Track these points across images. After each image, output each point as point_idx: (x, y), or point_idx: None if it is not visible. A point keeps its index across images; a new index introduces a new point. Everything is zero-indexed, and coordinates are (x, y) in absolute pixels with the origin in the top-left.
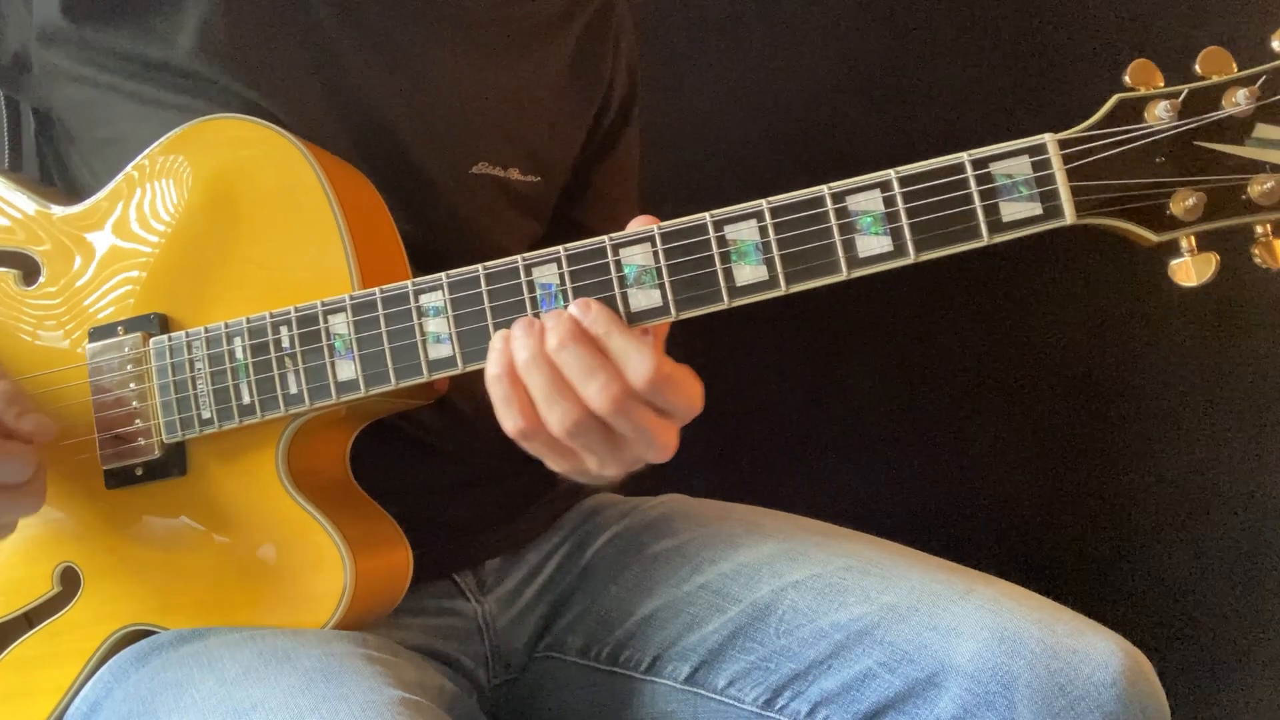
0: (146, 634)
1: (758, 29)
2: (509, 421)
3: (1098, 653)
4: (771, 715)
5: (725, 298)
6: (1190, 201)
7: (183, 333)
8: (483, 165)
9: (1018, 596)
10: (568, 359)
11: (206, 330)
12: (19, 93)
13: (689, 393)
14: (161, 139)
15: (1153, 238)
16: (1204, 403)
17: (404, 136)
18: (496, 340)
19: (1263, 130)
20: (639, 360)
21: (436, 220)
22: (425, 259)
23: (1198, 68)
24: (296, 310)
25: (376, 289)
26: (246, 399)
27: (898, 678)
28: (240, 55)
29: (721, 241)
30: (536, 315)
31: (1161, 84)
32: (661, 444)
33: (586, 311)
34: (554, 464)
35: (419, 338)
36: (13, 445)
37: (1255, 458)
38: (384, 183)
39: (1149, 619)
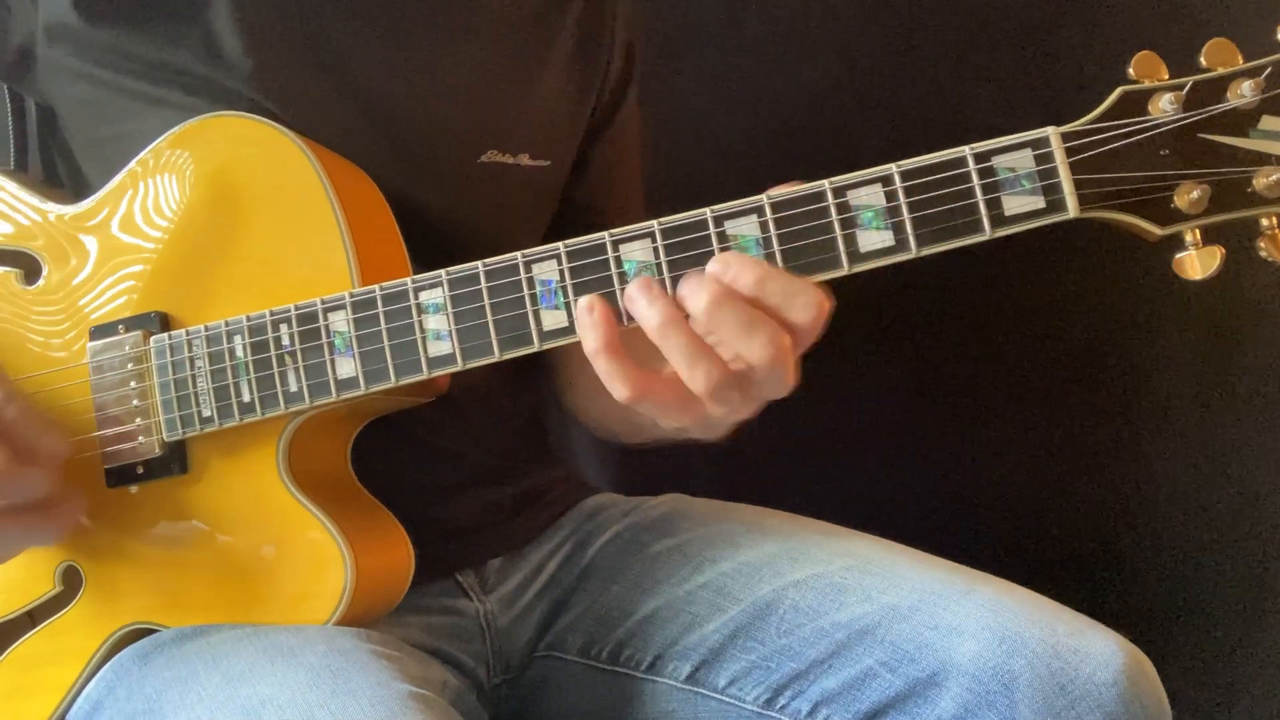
0: (148, 632)
1: (758, 28)
2: (619, 391)
3: (1098, 652)
4: (772, 714)
5: None
6: (1195, 194)
7: (183, 331)
8: (492, 153)
9: (1018, 596)
10: (728, 317)
11: (207, 328)
12: (23, 88)
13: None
14: (163, 136)
15: (1157, 231)
16: (1207, 400)
17: (412, 128)
18: (585, 313)
19: (1268, 122)
20: (803, 297)
21: (448, 210)
22: (439, 250)
23: (1203, 60)
24: (296, 308)
25: (376, 286)
26: (247, 397)
27: (899, 677)
28: (247, 56)
29: (722, 237)
30: (537, 311)
31: (1166, 76)
32: (789, 378)
33: (727, 268)
34: (669, 420)
35: (419, 335)
36: (35, 463)
37: (1257, 457)
38: (394, 175)
39: (1149, 619)
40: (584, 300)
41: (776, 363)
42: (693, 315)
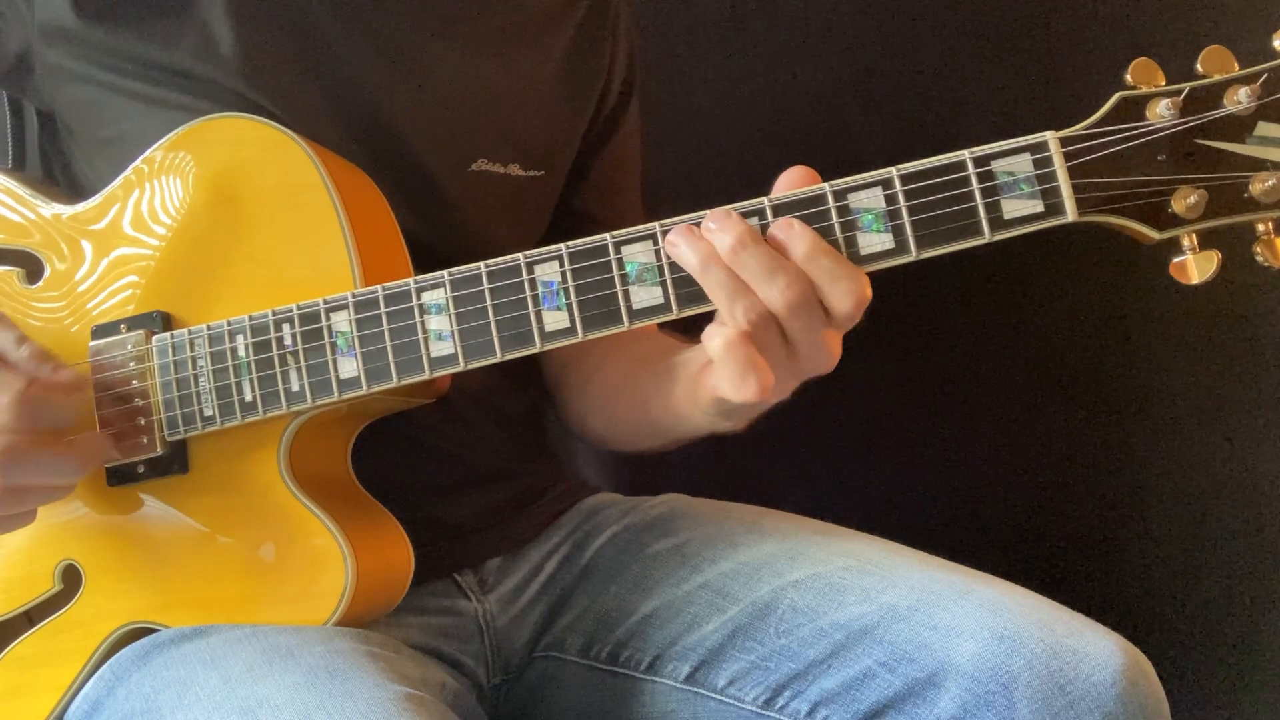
0: (147, 632)
1: (758, 28)
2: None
3: (1097, 652)
4: (771, 715)
5: None
6: (1192, 199)
7: (185, 330)
8: (482, 162)
9: (1018, 596)
10: (748, 259)
11: (209, 328)
12: (22, 93)
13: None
14: (165, 138)
15: (1154, 235)
16: (1204, 401)
17: (403, 135)
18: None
19: (1264, 128)
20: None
21: (438, 218)
22: (428, 257)
23: (1199, 66)
24: (299, 308)
25: (379, 287)
26: (249, 396)
27: (898, 677)
28: (241, 56)
29: None
30: (539, 312)
31: (1163, 82)
32: (829, 350)
33: (788, 231)
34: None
35: (421, 335)
36: (57, 391)
37: (1256, 457)
38: (385, 182)
39: (1149, 619)
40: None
41: (800, 310)
42: (719, 253)
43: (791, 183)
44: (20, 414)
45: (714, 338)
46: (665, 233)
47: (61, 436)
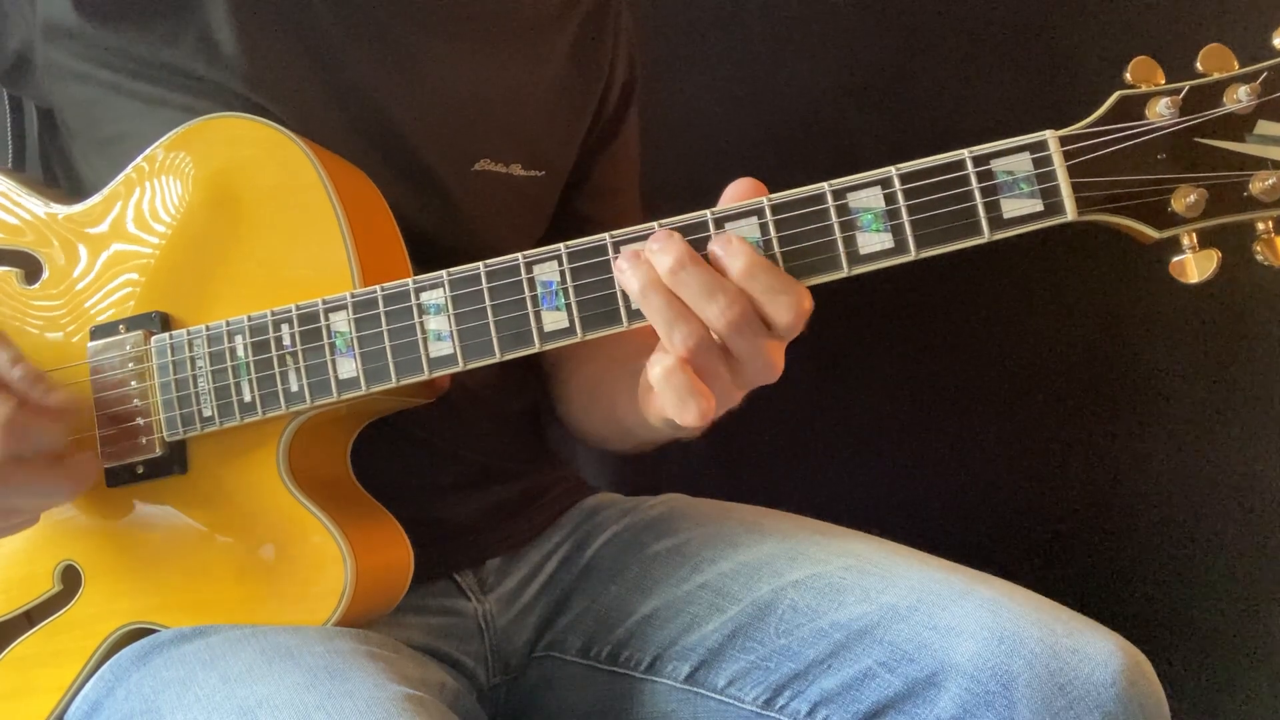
0: (147, 632)
1: (758, 28)
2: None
3: (1097, 652)
4: (771, 715)
5: None
6: (1191, 198)
7: (184, 331)
8: (484, 162)
9: (1017, 596)
10: (687, 279)
11: (208, 328)
12: (22, 90)
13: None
14: (164, 137)
15: (1154, 234)
16: (1204, 401)
17: (405, 135)
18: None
19: (1264, 127)
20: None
21: (439, 218)
22: (429, 256)
23: (1199, 65)
24: (298, 308)
25: (377, 287)
26: (248, 397)
27: (897, 677)
28: (243, 57)
29: None
30: (538, 312)
31: (1163, 81)
32: (772, 361)
33: (725, 247)
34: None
35: (420, 335)
36: (46, 415)
37: (1256, 457)
38: (386, 181)
39: (1149, 619)
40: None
41: (742, 327)
42: (660, 275)
43: (738, 194)
44: (8, 437)
45: (654, 365)
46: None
47: (54, 456)
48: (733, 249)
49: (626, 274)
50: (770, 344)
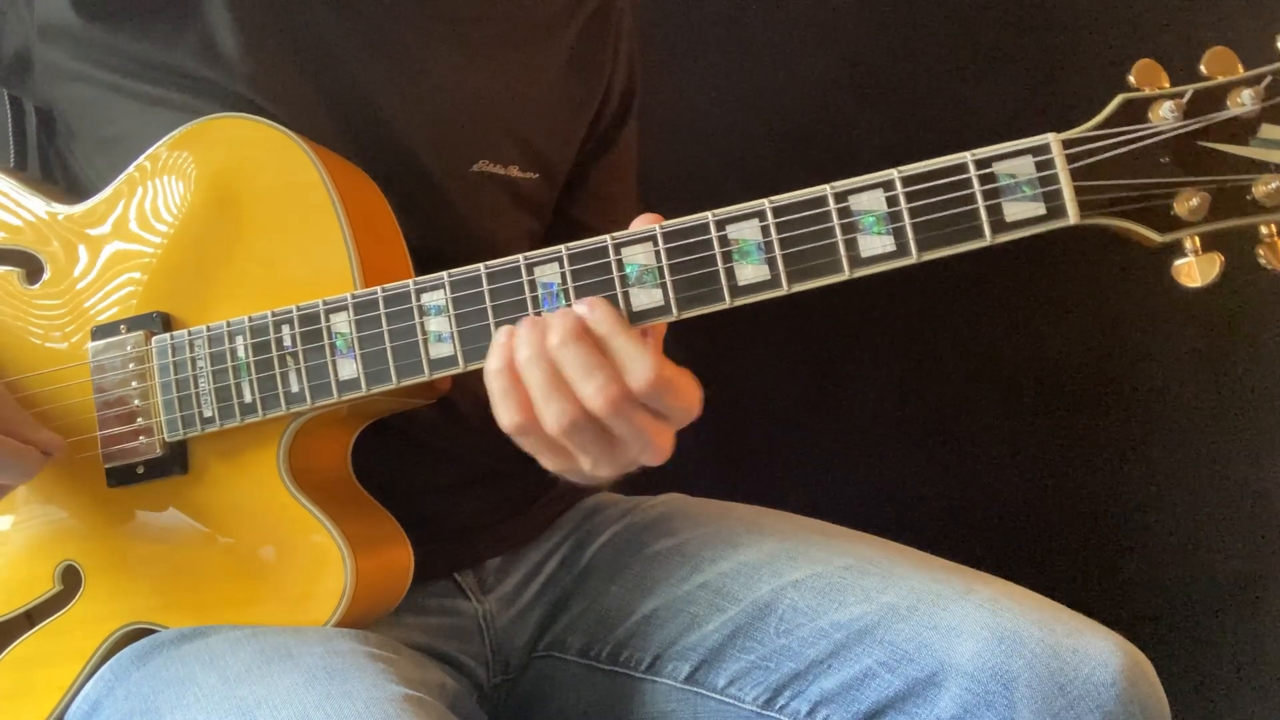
0: (147, 632)
1: (759, 28)
2: (505, 416)
3: (1097, 652)
4: (771, 715)
5: (727, 297)
6: (1194, 202)
7: (185, 331)
8: (483, 163)
9: (1017, 596)
10: (568, 357)
11: (208, 329)
12: (21, 91)
13: (688, 397)
14: (165, 138)
15: (1156, 238)
16: (1205, 402)
17: (403, 136)
18: (500, 335)
19: (1268, 131)
20: (640, 363)
21: (437, 219)
22: (427, 258)
23: (1203, 68)
24: (298, 309)
25: (378, 288)
26: (248, 397)
27: (898, 677)
28: (242, 57)
29: (723, 241)
30: (539, 314)
31: (1166, 84)
32: (657, 447)
33: (591, 310)
34: (548, 462)
35: (420, 336)
36: (25, 447)
37: (1255, 457)
38: (384, 182)
39: (1149, 619)
40: (504, 326)
41: (614, 414)
42: (548, 344)
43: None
44: None
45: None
46: (666, 236)
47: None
48: (591, 313)
49: (520, 342)
50: (651, 425)
